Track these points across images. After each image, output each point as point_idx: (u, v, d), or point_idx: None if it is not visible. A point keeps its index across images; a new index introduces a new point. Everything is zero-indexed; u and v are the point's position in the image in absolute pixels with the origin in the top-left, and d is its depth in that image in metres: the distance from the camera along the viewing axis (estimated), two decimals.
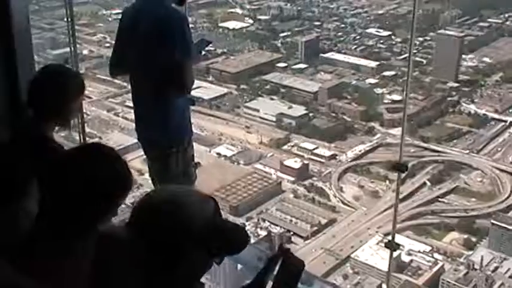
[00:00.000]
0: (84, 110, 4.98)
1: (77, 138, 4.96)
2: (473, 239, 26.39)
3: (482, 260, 23.89)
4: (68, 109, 2.73)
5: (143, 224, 1.29)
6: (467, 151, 31.30)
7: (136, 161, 15.97)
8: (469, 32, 38.19)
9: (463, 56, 36.45)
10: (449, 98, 34.76)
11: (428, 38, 36.88)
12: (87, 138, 4.71)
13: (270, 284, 1.73)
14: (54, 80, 2.68)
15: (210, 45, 4.03)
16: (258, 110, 34.80)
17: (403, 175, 4.12)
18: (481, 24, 39.13)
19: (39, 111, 2.63)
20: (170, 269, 1.28)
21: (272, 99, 36.07)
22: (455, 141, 32.25)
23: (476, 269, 23.73)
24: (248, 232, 1.48)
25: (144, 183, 18.82)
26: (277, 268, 1.67)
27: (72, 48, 4.61)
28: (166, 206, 1.32)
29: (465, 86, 35.17)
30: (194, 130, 3.78)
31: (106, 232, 1.31)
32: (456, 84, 35.08)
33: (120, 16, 3.74)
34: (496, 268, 23.70)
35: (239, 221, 27.87)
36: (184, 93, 3.56)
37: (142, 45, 3.36)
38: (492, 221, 26.04)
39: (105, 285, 1.25)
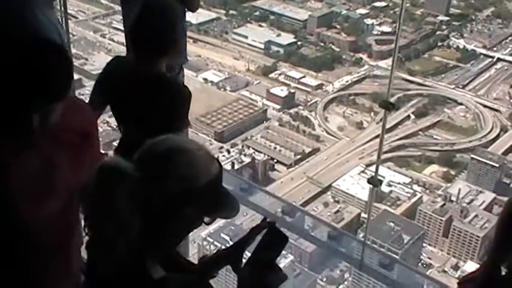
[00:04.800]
0: (70, 31, 4.88)
1: None
2: (453, 172, 27.00)
3: (459, 192, 24.55)
4: (178, 38, 2.57)
5: (147, 167, 1.30)
6: (453, 86, 31.43)
7: None
8: None
9: None
10: (438, 32, 34.47)
11: None
12: (73, 60, 4.65)
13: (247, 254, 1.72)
14: (162, 12, 2.50)
15: None
16: (246, 37, 34.30)
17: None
18: None
19: (148, 46, 2.47)
20: (163, 217, 1.30)
21: (261, 26, 35.49)
22: (442, 75, 32.29)
23: (452, 201, 24.43)
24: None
25: None
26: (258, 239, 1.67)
27: None
28: (172, 154, 1.33)
29: (456, 20, 34.80)
30: None
31: (110, 162, 1.31)
32: (447, 18, 34.69)
33: None
34: (472, 201, 24.42)
35: (224, 147, 28.13)
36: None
37: None
38: (472, 155, 26.58)
39: (100, 213, 1.27)
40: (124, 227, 1.23)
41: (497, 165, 25.51)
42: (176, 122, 2.48)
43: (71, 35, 4.85)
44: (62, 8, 4.73)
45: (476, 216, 23.40)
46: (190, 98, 2.53)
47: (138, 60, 2.50)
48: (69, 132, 1.79)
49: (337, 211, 24.72)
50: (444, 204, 24.17)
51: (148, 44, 2.45)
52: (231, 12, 35.98)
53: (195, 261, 1.79)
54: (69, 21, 4.99)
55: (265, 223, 1.69)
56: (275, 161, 28.02)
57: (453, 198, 24.50)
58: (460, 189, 24.73)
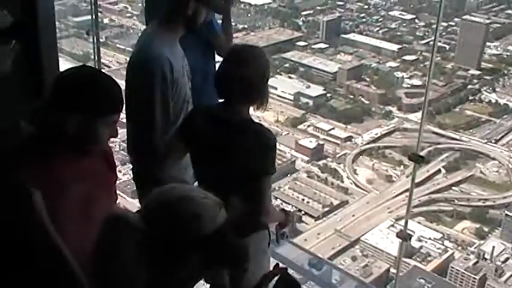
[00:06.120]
0: None
1: None
2: (486, 229, 26.28)
3: (493, 250, 23.83)
4: (265, 89, 2.65)
5: (153, 217, 1.29)
6: (485, 140, 30.99)
7: None
8: (495, 19, 37.41)
9: (488, 44, 35.80)
10: (470, 86, 34.30)
11: (452, 23, 36.24)
12: None
13: None
14: (251, 62, 2.55)
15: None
16: (275, 88, 34.63)
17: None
18: (509, 11, 38.29)
19: (238, 94, 2.53)
20: (169, 267, 1.28)
21: (290, 77, 35.89)
22: (473, 129, 31.93)
23: (486, 259, 23.70)
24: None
25: None
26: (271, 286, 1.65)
27: (93, 17, 4.61)
28: (178, 203, 1.32)
29: (487, 74, 34.64)
30: None
31: (118, 214, 1.30)
32: (478, 72, 34.57)
33: None
34: (507, 259, 23.65)
35: None
36: None
37: None
38: (506, 211, 25.91)
39: (107, 264, 1.25)
40: (130, 279, 1.21)
41: None
42: (264, 168, 2.52)
43: None
44: (96, 58, 4.87)
45: None
46: (276, 143, 2.59)
47: (225, 106, 2.54)
48: (102, 162, 2.02)
49: (366, 265, 24.22)
50: (477, 262, 23.44)
51: (239, 91, 2.49)
52: None
53: None
54: (102, 70, 5.12)
55: (278, 269, 1.67)
56: (303, 212, 27.74)
57: (487, 256, 23.77)
58: (494, 247, 24.00)
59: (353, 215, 27.26)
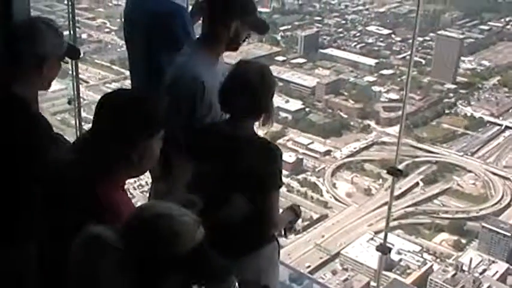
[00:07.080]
0: (81, 95, 4.97)
1: (73, 122, 4.96)
2: (463, 241, 26.52)
3: (471, 262, 24.02)
4: (270, 105, 2.65)
5: (130, 235, 1.28)
6: (462, 153, 31.39)
7: None
8: (469, 34, 38.17)
9: (462, 58, 36.45)
10: (446, 100, 34.80)
11: (428, 38, 36.84)
12: (82, 123, 4.72)
13: None
14: (258, 77, 2.57)
15: None
16: None
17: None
18: (482, 27, 39.10)
19: (239, 111, 2.55)
20: (148, 285, 1.27)
21: None
22: (450, 142, 32.32)
23: (464, 271, 23.86)
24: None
25: None
26: None
27: (72, 32, 4.59)
28: (157, 221, 1.31)
29: (463, 88, 35.21)
30: None
31: (94, 232, 1.28)
32: (454, 86, 35.11)
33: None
34: (484, 270, 23.84)
35: None
36: None
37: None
38: (483, 223, 26.17)
39: (88, 284, 1.23)
40: None
41: (509, 234, 25.05)
42: (271, 182, 2.53)
43: (82, 99, 4.94)
44: (74, 73, 4.83)
45: (489, 287, 22.78)
46: (282, 157, 2.61)
47: (231, 122, 2.57)
48: None
49: (346, 279, 24.21)
50: (455, 274, 23.59)
51: (245, 105, 2.51)
52: None
53: None
54: (80, 86, 5.09)
55: (258, 286, 1.67)
56: None
57: (465, 268, 23.95)
58: (471, 259, 24.20)
59: (323, 235, 27.28)
